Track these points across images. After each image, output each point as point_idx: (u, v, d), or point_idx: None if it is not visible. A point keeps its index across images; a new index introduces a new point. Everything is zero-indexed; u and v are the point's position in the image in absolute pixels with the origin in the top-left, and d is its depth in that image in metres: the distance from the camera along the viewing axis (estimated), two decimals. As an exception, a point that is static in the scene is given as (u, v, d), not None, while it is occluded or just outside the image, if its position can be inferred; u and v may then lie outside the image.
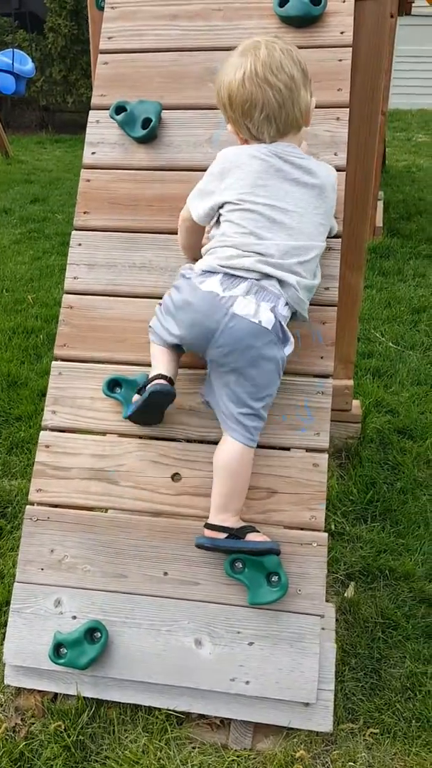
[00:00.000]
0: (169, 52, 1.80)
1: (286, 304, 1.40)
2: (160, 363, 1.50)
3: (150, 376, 1.49)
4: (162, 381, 1.46)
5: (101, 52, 1.82)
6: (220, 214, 1.42)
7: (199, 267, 1.39)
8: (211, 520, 1.43)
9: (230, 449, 1.41)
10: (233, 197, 1.39)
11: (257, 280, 1.36)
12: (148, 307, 1.61)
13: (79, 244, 1.71)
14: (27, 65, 5.60)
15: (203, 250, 1.43)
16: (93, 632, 1.44)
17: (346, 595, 1.81)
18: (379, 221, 4.65)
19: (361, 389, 2.73)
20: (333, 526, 2.03)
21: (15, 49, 5.51)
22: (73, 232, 1.71)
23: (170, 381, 1.49)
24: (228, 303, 1.34)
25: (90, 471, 1.55)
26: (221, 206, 1.42)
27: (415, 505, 2.12)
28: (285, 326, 1.39)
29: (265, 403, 1.42)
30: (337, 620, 1.71)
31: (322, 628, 1.59)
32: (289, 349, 1.41)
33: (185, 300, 1.38)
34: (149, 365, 1.53)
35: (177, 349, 1.49)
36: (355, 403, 2.41)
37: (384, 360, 3.02)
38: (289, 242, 1.38)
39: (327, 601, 1.75)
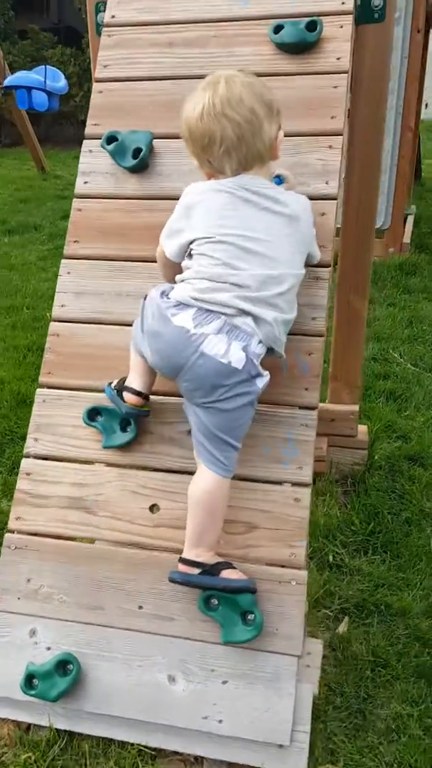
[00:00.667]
0: (163, 81, 1.80)
1: (260, 341, 1.37)
2: (137, 374, 1.51)
3: (126, 384, 1.52)
4: (135, 400, 1.50)
5: (96, 81, 1.84)
6: (191, 249, 1.41)
7: (174, 296, 1.37)
8: (185, 555, 1.41)
9: (205, 480, 1.39)
10: (202, 233, 1.38)
11: (232, 316, 1.34)
12: (135, 335, 1.61)
13: (68, 273, 1.72)
14: (60, 82, 5.70)
15: (177, 278, 1.42)
16: (64, 665, 1.43)
17: (338, 630, 1.76)
18: (407, 237, 4.57)
19: (372, 413, 2.67)
20: (331, 558, 1.98)
21: (48, 66, 5.61)
22: (63, 261, 1.73)
23: (145, 397, 1.51)
24: (198, 341, 1.32)
25: (69, 500, 1.55)
26: (191, 242, 1.41)
27: (420, 537, 2.06)
28: (257, 363, 1.36)
29: (238, 434, 1.39)
30: (325, 656, 1.67)
31: (307, 666, 1.55)
32: (262, 383, 1.38)
33: (156, 330, 1.37)
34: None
35: None
36: (362, 428, 2.35)
37: (400, 382, 2.95)
38: (264, 271, 1.36)
39: (316, 636, 1.72)
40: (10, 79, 5.73)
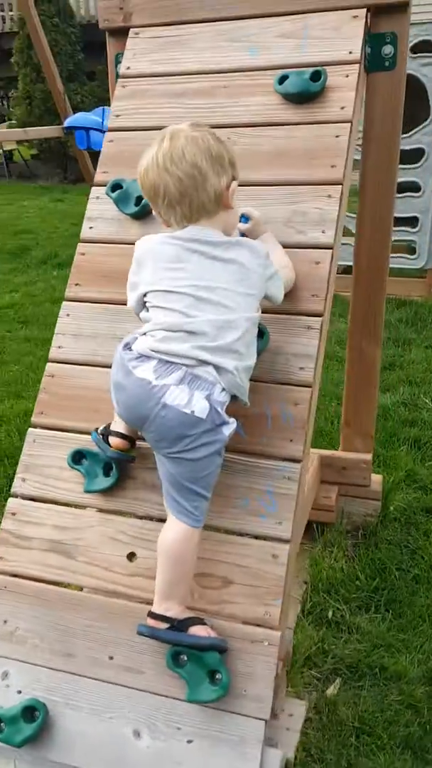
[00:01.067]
0: (172, 129, 1.83)
1: (223, 389, 1.36)
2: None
3: (111, 428, 1.52)
4: (119, 443, 1.51)
5: (108, 130, 1.89)
6: (146, 301, 1.42)
7: (136, 349, 1.37)
8: (155, 609, 1.38)
9: (174, 531, 1.37)
10: (153, 286, 1.39)
11: (193, 366, 1.33)
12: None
13: (68, 315, 1.75)
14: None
15: (138, 331, 1.42)
16: (32, 711, 1.42)
17: (326, 692, 1.69)
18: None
19: (393, 460, 2.59)
20: (331, 614, 1.91)
21: (106, 108, 5.84)
22: (63, 303, 1.76)
23: (130, 440, 1.51)
24: (160, 392, 1.31)
25: (50, 542, 1.55)
26: (145, 294, 1.41)
27: (427, 596, 1.97)
28: (222, 411, 1.35)
29: (205, 483, 1.37)
30: (309, 719, 1.61)
31: (286, 729, 1.50)
32: (228, 430, 1.36)
33: (119, 382, 1.37)
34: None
35: None
36: (377, 478, 2.28)
37: (427, 429, 2.85)
38: (220, 317, 1.35)
39: (301, 698, 1.65)
40: (70, 120, 5.98)
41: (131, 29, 1.98)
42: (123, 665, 1.43)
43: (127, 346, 1.39)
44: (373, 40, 1.81)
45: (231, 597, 1.42)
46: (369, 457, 2.20)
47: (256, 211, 1.57)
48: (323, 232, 1.61)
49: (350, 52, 1.74)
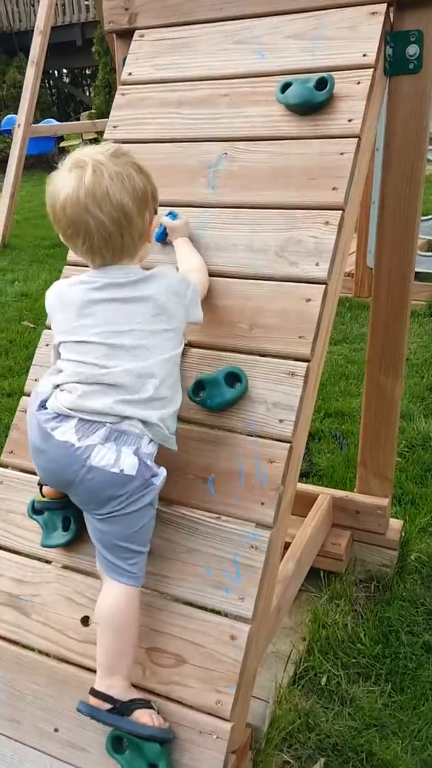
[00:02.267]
0: (167, 143, 1.67)
1: (151, 440, 1.24)
2: None
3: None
4: (52, 492, 1.41)
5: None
6: (60, 352, 1.29)
7: (52, 407, 1.24)
8: (97, 686, 1.25)
9: (112, 595, 1.24)
10: (65, 336, 1.27)
11: (116, 423, 1.21)
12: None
13: (47, 345, 1.63)
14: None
15: (51, 382, 1.27)
16: (-32, 781, 1.33)
17: (307, 776, 1.52)
18: None
19: (423, 500, 2.35)
20: (325, 680, 1.73)
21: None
22: (44, 331, 1.65)
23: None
24: (84, 454, 1.19)
25: (7, 596, 1.45)
26: (58, 345, 1.29)
27: (437, 669, 1.75)
28: (151, 463, 1.24)
29: (141, 539, 1.25)
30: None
31: None
32: (159, 480, 1.25)
33: (38, 447, 1.25)
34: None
35: None
36: (395, 524, 2.06)
37: (471, 465, 2.58)
38: (138, 364, 1.22)
39: (275, 781, 1.49)
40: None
41: (136, 31, 1.83)
42: (67, 740, 1.32)
43: (42, 405, 1.25)
44: (395, 39, 1.58)
45: (182, 678, 1.28)
46: (386, 502, 1.99)
47: (185, 216, 1.49)
48: (317, 264, 1.42)
49: (364, 55, 1.52)
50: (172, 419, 1.29)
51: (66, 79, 15.24)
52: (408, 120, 1.65)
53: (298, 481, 2.44)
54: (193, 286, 1.35)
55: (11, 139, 6.46)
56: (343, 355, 3.57)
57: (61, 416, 1.23)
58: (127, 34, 1.86)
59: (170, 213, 1.53)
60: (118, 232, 1.23)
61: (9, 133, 6.70)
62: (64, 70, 14.95)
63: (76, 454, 1.19)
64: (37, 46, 5.92)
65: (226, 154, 1.60)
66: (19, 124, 6.11)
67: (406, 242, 1.75)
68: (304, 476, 2.54)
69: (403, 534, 2.07)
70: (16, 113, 6.52)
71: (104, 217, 1.20)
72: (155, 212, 1.32)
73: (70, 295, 1.29)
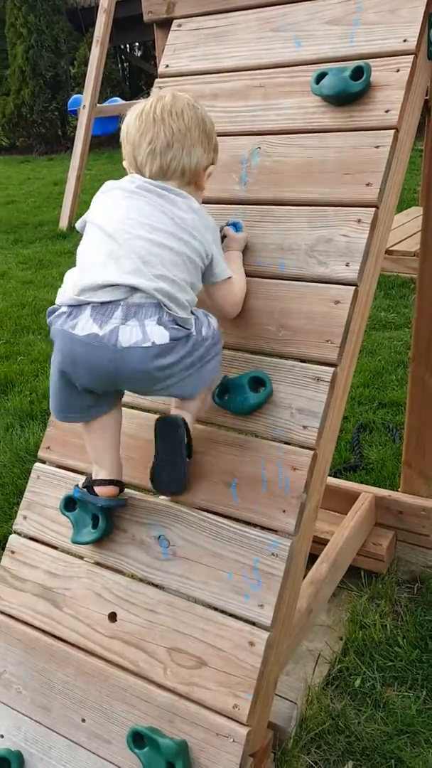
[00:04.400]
0: (202, 138, 1.64)
1: (169, 314, 1.25)
2: (101, 460, 1.41)
3: (95, 477, 1.42)
4: (109, 491, 1.41)
5: (137, 140, 1.74)
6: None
7: (61, 300, 1.26)
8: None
9: None
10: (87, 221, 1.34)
11: (128, 297, 1.22)
12: (130, 418, 1.51)
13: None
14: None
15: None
16: (4, 762, 1.40)
17: (335, 778, 1.52)
18: None
19: None
20: (359, 682, 1.71)
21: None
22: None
23: (117, 483, 1.42)
24: (111, 339, 1.20)
25: (41, 588, 1.51)
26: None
27: None
28: (180, 323, 1.25)
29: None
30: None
31: None
32: (205, 324, 1.32)
33: (68, 356, 1.25)
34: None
35: (105, 415, 1.37)
36: (442, 524, 2.00)
37: None
38: (151, 247, 1.24)
39: (300, 782, 1.50)
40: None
41: (174, 21, 1.80)
42: (93, 731, 1.37)
43: (53, 313, 1.28)
44: (440, 20, 1.49)
45: (202, 680, 1.29)
46: (431, 504, 1.93)
47: (246, 231, 1.48)
48: (347, 265, 1.37)
49: (405, 41, 1.44)
50: (181, 305, 1.26)
51: (138, 53, 15.23)
52: (454, 106, 1.56)
53: (344, 477, 2.42)
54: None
55: (77, 120, 6.53)
56: (404, 341, 3.45)
57: (72, 308, 1.24)
58: (166, 24, 1.84)
59: (234, 223, 1.50)
60: (180, 143, 1.31)
61: (75, 114, 6.78)
62: (136, 44, 14.94)
63: (104, 342, 1.21)
64: (102, 25, 5.92)
65: (259, 148, 1.56)
66: (84, 105, 6.16)
67: (453, 235, 1.67)
68: (353, 470, 2.50)
69: (449, 534, 2.01)
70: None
71: (174, 125, 1.31)
72: (213, 163, 1.39)
73: (109, 185, 1.34)
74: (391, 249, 4.44)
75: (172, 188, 1.31)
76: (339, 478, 2.35)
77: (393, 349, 3.38)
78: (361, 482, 2.35)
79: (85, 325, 1.22)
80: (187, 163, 1.32)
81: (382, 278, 4.33)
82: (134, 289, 1.22)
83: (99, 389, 1.32)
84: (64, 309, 1.25)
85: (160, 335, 1.22)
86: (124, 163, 1.38)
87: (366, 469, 2.49)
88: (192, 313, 1.30)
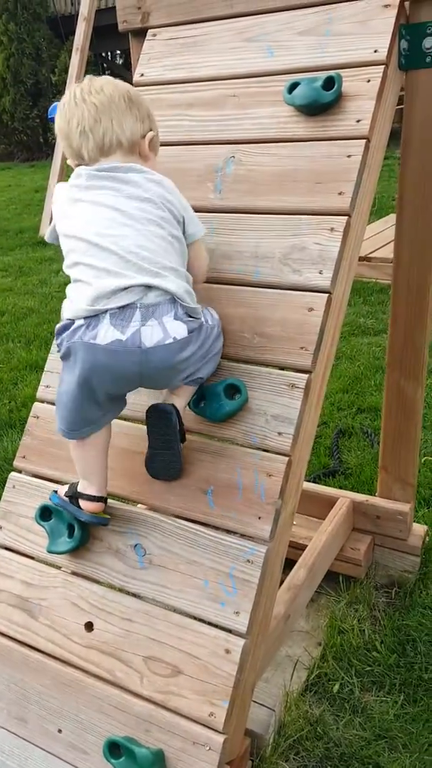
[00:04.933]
0: (176, 146, 1.65)
1: (182, 307, 1.27)
2: (90, 474, 1.39)
3: (80, 489, 1.41)
4: (95, 507, 1.40)
5: (112, 149, 1.75)
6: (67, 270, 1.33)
7: (74, 314, 1.25)
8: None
9: None
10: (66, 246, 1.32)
11: (142, 299, 1.23)
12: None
13: (58, 351, 1.65)
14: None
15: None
16: (-22, 776, 1.39)
17: (312, 784, 1.52)
18: None
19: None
20: (337, 688, 1.72)
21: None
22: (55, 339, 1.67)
23: (104, 501, 1.41)
24: (135, 342, 1.21)
25: (17, 598, 1.50)
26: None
27: (454, 680, 1.71)
28: (192, 314, 1.29)
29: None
30: None
31: None
32: (209, 315, 1.39)
33: (92, 366, 1.23)
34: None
35: (96, 435, 1.36)
36: (418, 530, 2.02)
37: None
38: (138, 238, 1.25)
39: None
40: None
41: (149, 30, 1.81)
42: (70, 741, 1.36)
43: (65, 330, 1.27)
44: (410, 31, 1.52)
45: (179, 689, 1.29)
46: (407, 508, 1.94)
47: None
48: (320, 272, 1.38)
49: (375, 51, 1.46)
50: (190, 295, 1.30)
51: (119, 61, 15.25)
52: (426, 116, 1.58)
53: (323, 482, 2.43)
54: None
55: (59, 128, 6.50)
56: (382, 347, 3.48)
57: (89, 320, 1.23)
58: (141, 33, 1.85)
59: None
60: (108, 115, 1.30)
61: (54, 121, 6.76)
62: (117, 52, 14.96)
63: (128, 346, 1.21)
64: (81, 33, 5.93)
65: (233, 157, 1.57)
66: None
67: (426, 245, 1.69)
68: (332, 475, 2.51)
69: (427, 539, 2.03)
70: (64, 101, 6.56)
71: (95, 101, 1.31)
72: (151, 130, 1.38)
73: (62, 192, 1.33)
74: (369, 256, 4.48)
75: (120, 166, 1.30)
76: (318, 483, 2.36)
77: (372, 355, 3.40)
78: (340, 487, 2.36)
79: (107, 333, 1.22)
80: (120, 133, 1.32)
81: (362, 285, 4.37)
82: (148, 288, 1.24)
83: (121, 392, 1.35)
84: (80, 322, 1.24)
85: (179, 330, 1.25)
86: (69, 161, 1.38)
87: (345, 474, 2.50)
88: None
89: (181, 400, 1.40)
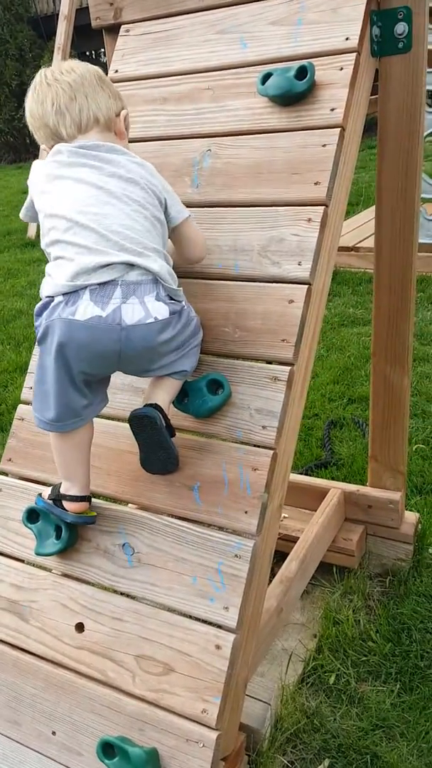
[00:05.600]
0: (153, 142, 1.64)
1: (164, 289, 1.27)
2: (71, 474, 1.37)
3: (62, 491, 1.39)
4: (79, 507, 1.38)
5: (88, 147, 1.73)
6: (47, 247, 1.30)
7: (54, 290, 1.23)
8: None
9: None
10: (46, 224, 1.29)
11: (123, 277, 1.22)
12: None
13: (36, 334, 1.64)
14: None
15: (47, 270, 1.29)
16: (-27, 781, 1.38)
17: (310, 776, 1.52)
18: None
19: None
20: (333, 679, 1.71)
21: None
22: (38, 341, 1.66)
23: (88, 499, 1.40)
24: (115, 319, 1.20)
25: (6, 601, 1.49)
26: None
27: (451, 667, 1.71)
28: (173, 297, 1.30)
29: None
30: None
31: None
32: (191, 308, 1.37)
33: (69, 343, 1.20)
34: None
35: (82, 428, 1.33)
36: (410, 518, 2.01)
37: None
38: (120, 216, 1.25)
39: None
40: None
41: (122, 26, 1.80)
42: (64, 743, 1.35)
43: (45, 308, 1.24)
44: (382, 17, 1.51)
45: (171, 687, 1.28)
46: (398, 496, 1.94)
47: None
48: (299, 264, 1.38)
49: (347, 39, 1.45)
50: (172, 276, 1.30)
51: (103, 59, 15.19)
52: (400, 103, 1.58)
53: (315, 474, 2.43)
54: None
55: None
56: (371, 337, 3.47)
57: (68, 296, 1.21)
58: (114, 30, 1.83)
59: None
60: (82, 93, 1.31)
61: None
62: (102, 51, 14.90)
63: (108, 323, 1.20)
64: (62, 32, 5.89)
65: (209, 150, 1.56)
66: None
67: (405, 233, 1.68)
68: (324, 466, 2.51)
69: (419, 527, 2.02)
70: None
71: (68, 79, 1.31)
72: (124, 108, 1.38)
73: (39, 169, 1.31)
74: (357, 246, 4.47)
75: (102, 145, 1.30)
76: (311, 475, 2.36)
77: (361, 345, 3.40)
78: (333, 478, 2.36)
79: (86, 309, 1.20)
80: (95, 110, 1.32)
81: (350, 275, 4.36)
82: (130, 266, 1.23)
83: (98, 373, 1.30)
84: (60, 299, 1.22)
85: (160, 310, 1.25)
86: (42, 147, 1.36)
87: (337, 466, 2.50)
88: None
89: (164, 394, 1.37)
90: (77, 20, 6.06)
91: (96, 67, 1.37)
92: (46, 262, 1.31)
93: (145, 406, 1.34)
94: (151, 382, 1.38)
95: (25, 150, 12.77)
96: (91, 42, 12.21)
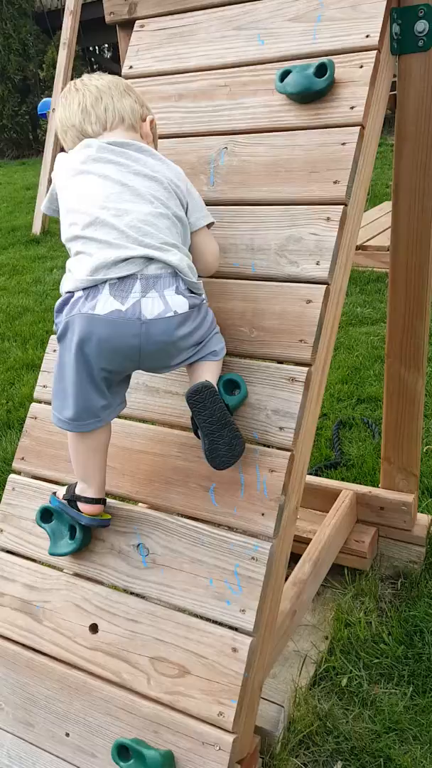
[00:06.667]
0: (168, 139, 1.63)
1: (183, 282, 1.26)
2: (88, 477, 1.36)
3: (77, 492, 1.38)
4: (94, 509, 1.37)
5: (102, 143, 1.72)
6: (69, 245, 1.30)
7: (74, 285, 1.23)
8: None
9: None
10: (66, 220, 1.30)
11: (143, 271, 1.22)
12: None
13: (54, 350, 1.63)
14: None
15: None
16: (-14, 782, 1.38)
17: (324, 779, 1.51)
18: None
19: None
20: (345, 681, 1.70)
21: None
22: (52, 337, 1.65)
23: (103, 502, 1.39)
24: (135, 313, 1.19)
25: (20, 602, 1.48)
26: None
27: (464, 669, 1.70)
28: (193, 290, 1.29)
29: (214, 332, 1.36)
30: None
31: None
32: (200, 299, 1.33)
33: (90, 338, 1.19)
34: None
35: (100, 429, 1.31)
36: (423, 520, 2.00)
37: None
38: (141, 208, 1.25)
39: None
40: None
41: (136, 22, 1.78)
42: (77, 745, 1.34)
43: (65, 305, 1.24)
44: (402, 15, 1.49)
45: (187, 689, 1.28)
46: (411, 498, 1.93)
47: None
48: (317, 263, 1.36)
49: (367, 36, 1.44)
50: (192, 269, 1.29)
51: (107, 54, 15.14)
52: (420, 102, 1.56)
53: (325, 474, 2.42)
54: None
55: (47, 124, 6.47)
56: (380, 336, 3.46)
57: (88, 291, 1.21)
58: (128, 25, 1.82)
59: None
60: (108, 94, 1.34)
61: (45, 117, 6.72)
62: (105, 46, 14.85)
63: (128, 317, 1.19)
64: (68, 27, 5.87)
65: (226, 148, 1.55)
66: (54, 108, 6.11)
67: (423, 233, 1.66)
68: (334, 467, 2.50)
69: (430, 530, 2.01)
70: (53, 97, 6.52)
71: (96, 83, 1.36)
72: (149, 115, 1.41)
73: (62, 163, 1.32)
74: (365, 244, 4.45)
75: (131, 143, 1.31)
76: (320, 475, 2.35)
77: (370, 344, 3.38)
78: (342, 479, 2.35)
79: (106, 304, 1.20)
80: (121, 108, 1.34)
81: (358, 274, 4.34)
82: (149, 260, 1.22)
83: (119, 370, 1.28)
84: (80, 294, 1.22)
85: (180, 304, 1.24)
86: (69, 148, 1.37)
87: (347, 466, 2.49)
88: None
89: (209, 374, 1.33)
90: (83, 15, 6.05)
91: (120, 80, 1.41)
92: (51, 258, 1.30)
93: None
94: (191, 371, 1.35)
95: (28, 146, 12.73)
96: (95, 37, 12.17)
